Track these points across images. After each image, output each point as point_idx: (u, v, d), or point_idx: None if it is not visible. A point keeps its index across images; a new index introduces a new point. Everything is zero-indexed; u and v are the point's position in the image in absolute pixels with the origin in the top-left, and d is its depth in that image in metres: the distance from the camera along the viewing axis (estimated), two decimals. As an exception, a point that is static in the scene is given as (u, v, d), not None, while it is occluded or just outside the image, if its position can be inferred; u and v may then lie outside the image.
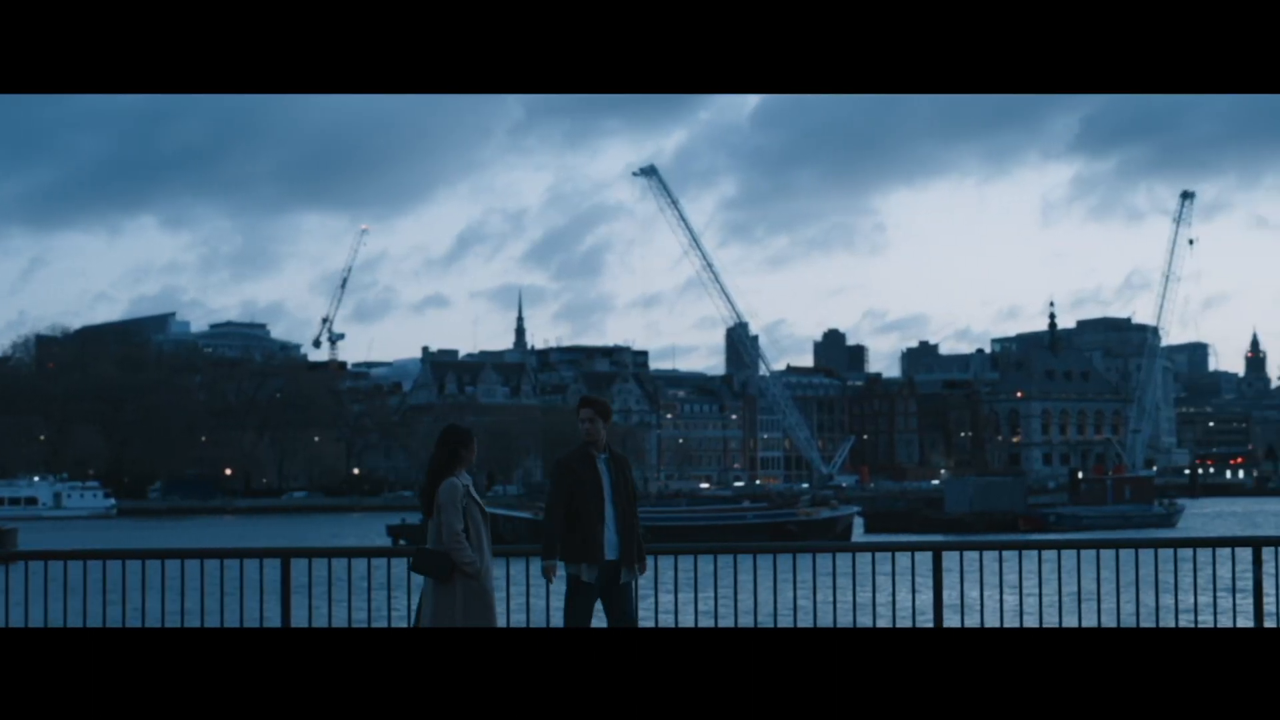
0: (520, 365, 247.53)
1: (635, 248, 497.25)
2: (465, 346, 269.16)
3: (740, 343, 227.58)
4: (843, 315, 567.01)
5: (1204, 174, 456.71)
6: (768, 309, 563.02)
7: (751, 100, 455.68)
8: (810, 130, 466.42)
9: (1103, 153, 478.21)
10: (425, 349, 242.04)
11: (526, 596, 14.13)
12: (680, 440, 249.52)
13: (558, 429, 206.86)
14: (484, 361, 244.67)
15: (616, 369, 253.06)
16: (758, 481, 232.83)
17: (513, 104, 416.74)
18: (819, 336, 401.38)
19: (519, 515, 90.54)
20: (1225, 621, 13.92)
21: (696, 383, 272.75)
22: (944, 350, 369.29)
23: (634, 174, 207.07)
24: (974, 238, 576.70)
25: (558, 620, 12.88)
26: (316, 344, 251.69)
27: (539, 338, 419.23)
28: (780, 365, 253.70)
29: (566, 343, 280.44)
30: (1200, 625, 13.99)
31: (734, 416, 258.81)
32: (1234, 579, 14.22)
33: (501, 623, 12.07)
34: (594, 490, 12.47)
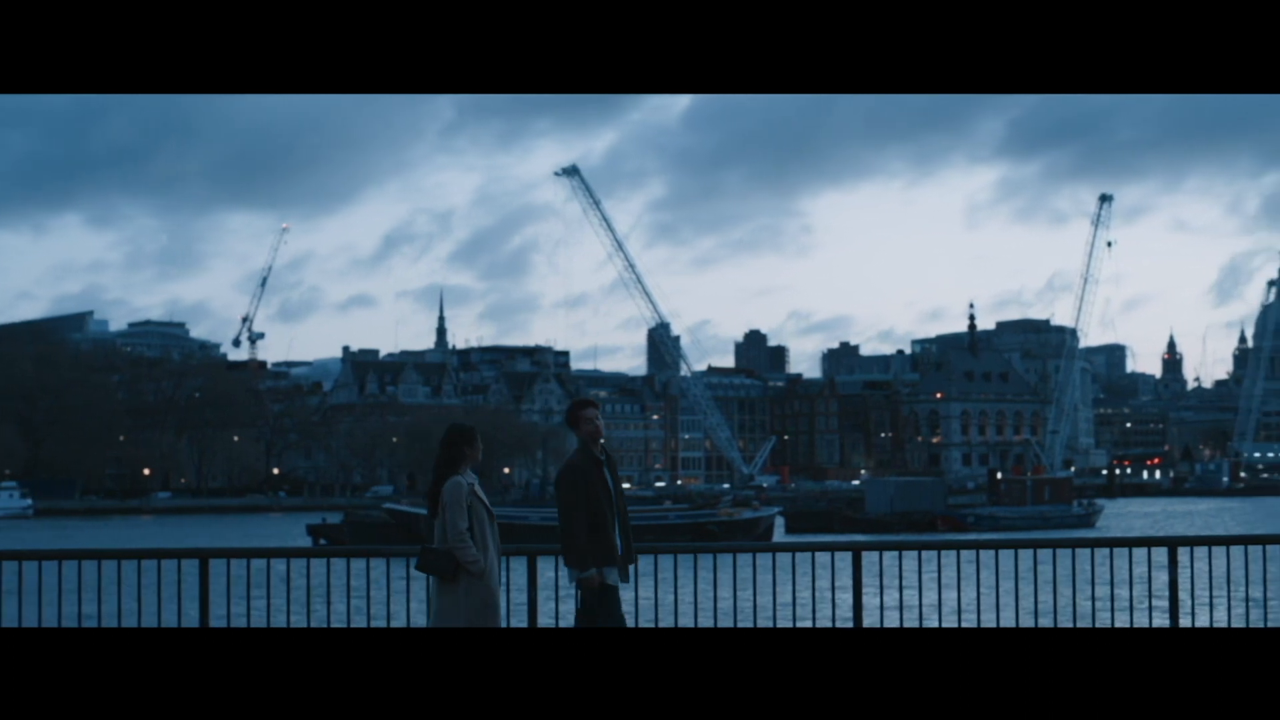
0: (442, 365, 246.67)
1: (562, 248, 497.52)
2: (390, 346, 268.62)
3: (662, 343, 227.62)
4: (768, 316, 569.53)
5: (1128, 178, 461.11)
6: (693, 310, 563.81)
7: (682, 101, 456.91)
8: (740, 132, 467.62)
9: (1028, 156, 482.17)
10: (346, 348, 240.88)
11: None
12: (601, 441, 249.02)
13: (478, 429, 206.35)
14: (405, 361, 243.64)
15: (538, 369, 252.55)
16: (679, 482, 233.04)
17: (444, 104, 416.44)
18: (741, 337, 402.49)
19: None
20: (1142, 621, 14.03)
21: (618, 383, 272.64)
22: (867, 351, 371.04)
23: (556, 174, 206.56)
24: (900, 240, 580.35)
25: (543, 621, 12.84)
26: (236, 343, 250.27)
27: (464, 338, 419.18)
28: (702, 366, 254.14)
29: (488, 343, 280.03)
30: (1117, 625, 14.08)
31: (655, 417, 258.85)
32: (1150, 579, 14.33)
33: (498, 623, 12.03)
34: (605, 493, 12.47)
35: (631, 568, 12.65)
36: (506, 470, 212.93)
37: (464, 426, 12.43)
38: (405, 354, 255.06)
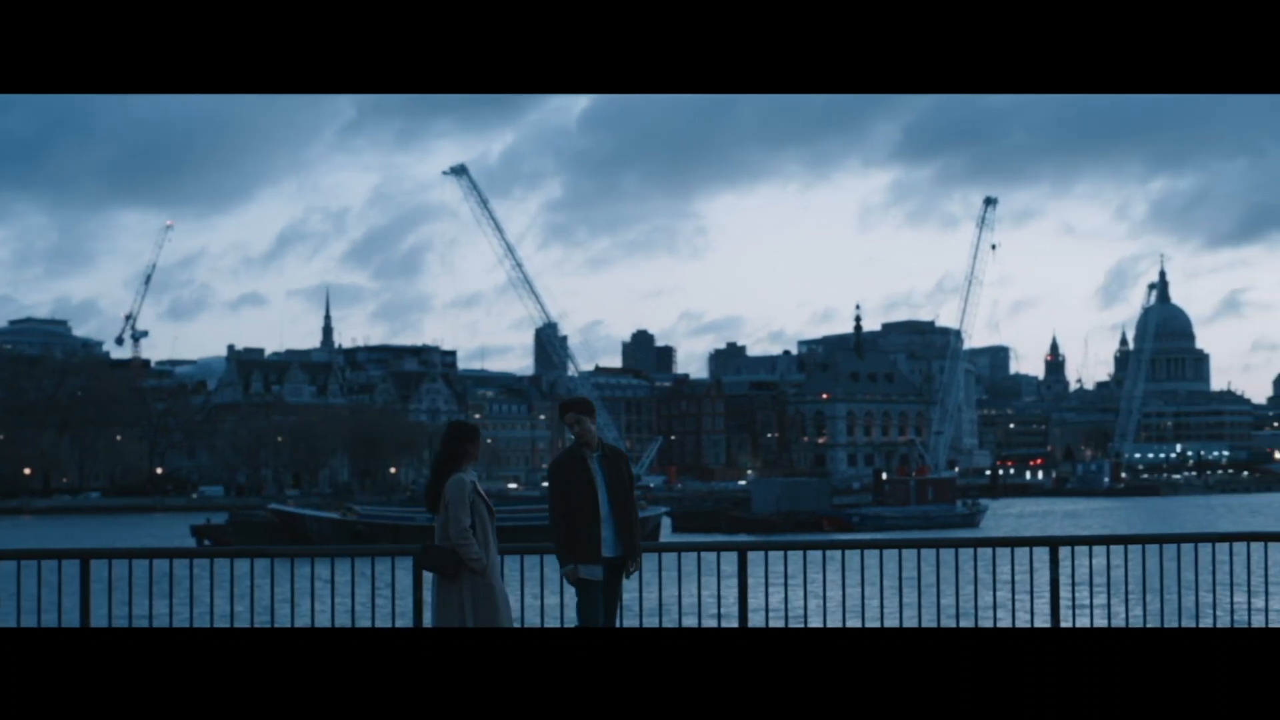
0: (328, 364, 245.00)
1: (456, 248, 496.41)
2: (278, 345, 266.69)
3: (549, 343, 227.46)
4: (660, 317, 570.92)
5: (1018, 182, 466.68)
6: (586, 310, 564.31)
7: (580, 102, 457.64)
8: (637, 133, 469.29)
9: (922, 160, 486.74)
10: (230, 347, 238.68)
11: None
12: (488, 440, 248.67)
13: (365, 429, 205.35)
14: (290, 360, 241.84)
15: (425, 369, 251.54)
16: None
17: (344, 104, 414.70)
18: (625, 337, 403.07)
19: (326, 515, 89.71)
20: (1024, 620, 14.18)
21: (505, 383, 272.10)
22: (759, 352, 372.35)
23: (444, 173, 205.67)
24: (793, 242, 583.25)
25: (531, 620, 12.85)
26: (120, 341, 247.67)
27: (356, 337, 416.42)
28: (589, 366, 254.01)
29: (376, 342, 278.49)
30: (1000, 625, 14.20)
31: (542, 417, 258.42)
32: (1032, 578, 14.47)
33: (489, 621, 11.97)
34: (587, 489, 12.47)
35: (604, 565, 12.60)
36: (393, 470, 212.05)
37: (466, 424, 12.50)
38: (291, 353, 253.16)
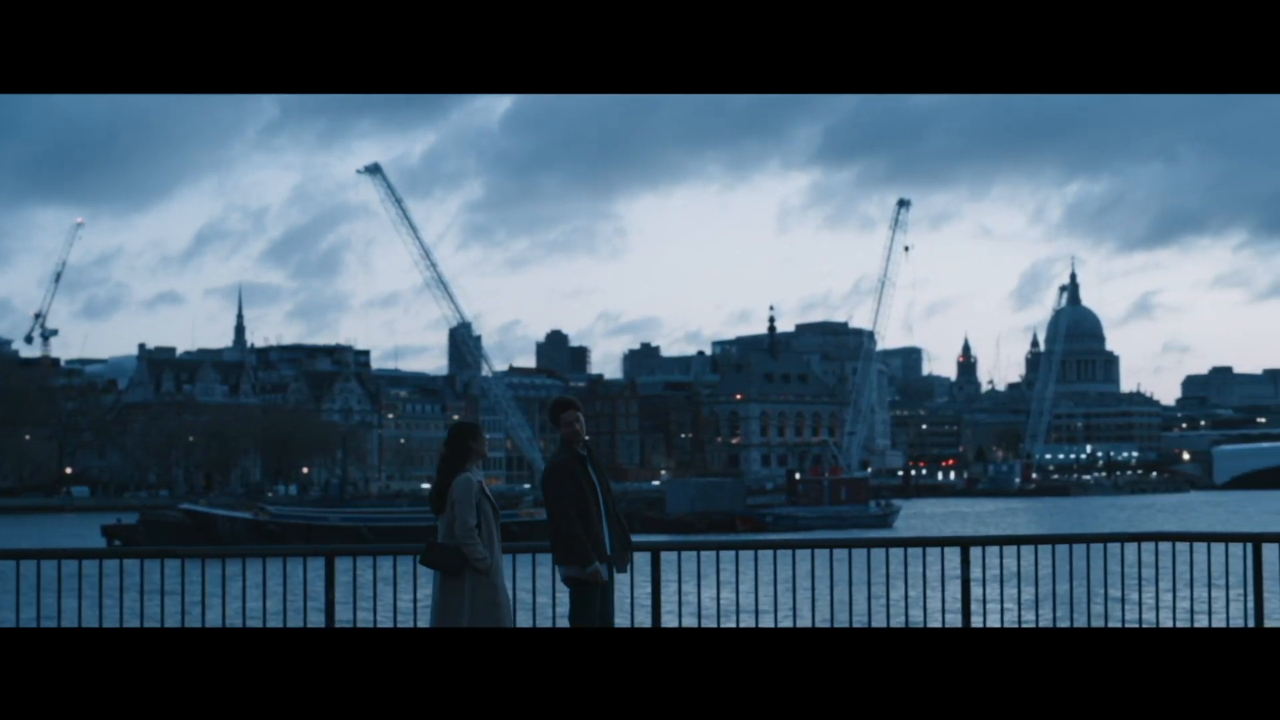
0: (240, 364, 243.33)
1: (375, 247, 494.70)
2: (191, 345, 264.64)
3: (464, 343, 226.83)
4: (578, 317, 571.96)
5: (937, 185, 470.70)
6: (505, 310, 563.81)
7: (503, 102, 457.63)
8: (559, 134, 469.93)
9: (842, 163, 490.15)
10: (142, 346, 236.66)
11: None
12: (402, 440, 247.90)
13: (277, 428, 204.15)
14: (202, 360, 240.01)
15: (338, 368, 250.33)
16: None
17: (267, 103, 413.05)
18: (543, 338, 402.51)
19: (239, 516, 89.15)
20: (935, 620, 14.25)
21: (418, 383, 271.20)
22: (676, 353, 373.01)
23: (359, 171, 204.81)
24: (712, 243, 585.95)
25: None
26: (29, 340, 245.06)
27: (269, 336, 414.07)
28: (503, 366, 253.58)
29: (291, 341, 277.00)
30: (912, 624, 14.28)
31: (456, 417, 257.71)
32: (943, 578, 14.55)
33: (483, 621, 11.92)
34: (591, 489, 12.54)
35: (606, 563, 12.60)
36: (306, 470, 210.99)
37: (470, 423, 12.54)
38: (203, 352, 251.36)
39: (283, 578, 14.01)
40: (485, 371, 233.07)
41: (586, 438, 12.90)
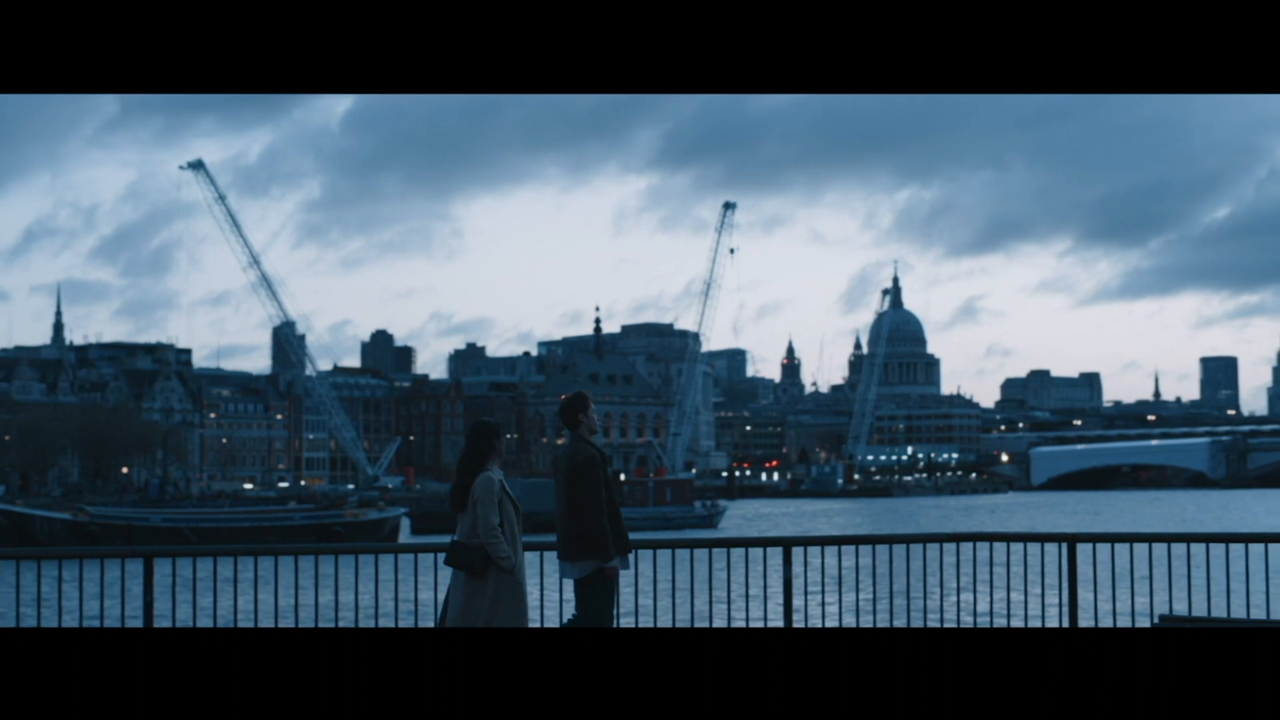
0: (58, 362, 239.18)
1: (206, 245, 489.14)
2: (8, 342, 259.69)
3: (287, 342, 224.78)
4: (410, 317, 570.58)
5: (771, 189, 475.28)
6: (337, 309, 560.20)
7: (344, 102, 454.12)
8: (399, 135, 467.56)
9: (680, 166, 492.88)
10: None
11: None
12: (224, 440, 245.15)
13: (96, 427, 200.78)
14: (19, 357, 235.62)
15: (159, 367, 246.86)
16: (303, 482, 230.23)
17: (106, 100, 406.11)
18: (369, 337, 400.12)
19: (58, 516, 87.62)
20: (757, 620, 14.37)
21: (241, 382, 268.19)
22: (507, 354, 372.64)
23: (181, 168, 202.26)
24: (548, 245, 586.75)
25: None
26: None
27: (89, 334, 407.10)
28: (328, 365, 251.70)
29: (112, 339, 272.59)
30: (734, 625, 14.38)
31: (279, 416, 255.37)
32: (765, 578, 14.66)
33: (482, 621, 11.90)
34: (606, 486, 12.68)
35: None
36: (125, 470, 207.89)
37: (490, 422, 12.53)
38: (20, 349, 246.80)
39: (100, 579, 13.82)
40: (309, 371, 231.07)
41: (595, 434, 13.07)
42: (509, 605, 11.88)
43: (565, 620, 12.81)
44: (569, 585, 12.84)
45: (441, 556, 14.23)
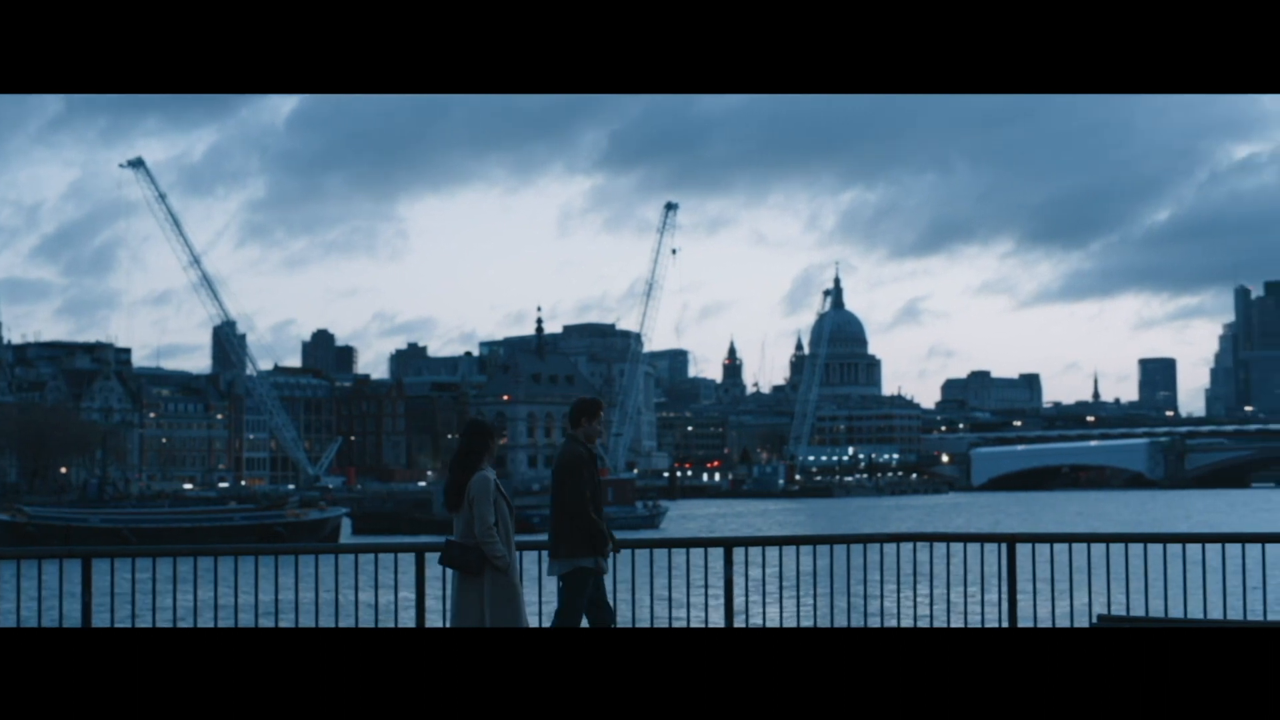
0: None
1: (150, 244, 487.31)
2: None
3: (228, 341, 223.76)
4: (353, 317, 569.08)
5: (716, 191, 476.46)
6: (279, 309, 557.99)
7: (290, 102, 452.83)
8: (345, 134, 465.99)
9: (625, 167, 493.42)
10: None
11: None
12: (164, 440, 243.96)
13: (35, 427, 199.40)
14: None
15: (98, 366, 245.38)
16: (243, 483, 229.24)
17: (52, 100, 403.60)
18: (309, 337, 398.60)
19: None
20: (699, 620, 14.39)
21: (181, 382, 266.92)
22: (450, 354, 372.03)
23: (121, 166, 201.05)
24: (493, 245, 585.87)
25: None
26: None
27: (28, 333, 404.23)
28: (268, 365, 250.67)
29: (49, 338, 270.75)
30: (675, 624, 14.40)
31: (219, 416, 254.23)
32: (706, 578, 14.70)
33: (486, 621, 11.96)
34: (596, 487, 12.84)
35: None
36: (64, 470, 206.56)
37: (485, 422, 12.68)
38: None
39: (38, 580, 13.74)
40: (250, 370, 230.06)
41: (601, 440, 13.21)
42: (504, 604, 11.97)
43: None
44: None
45: (383, 558, 14.23)
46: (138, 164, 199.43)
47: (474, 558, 11.95)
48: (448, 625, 12.23)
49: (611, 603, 13.14)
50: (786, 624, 15.32)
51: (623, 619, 14.53)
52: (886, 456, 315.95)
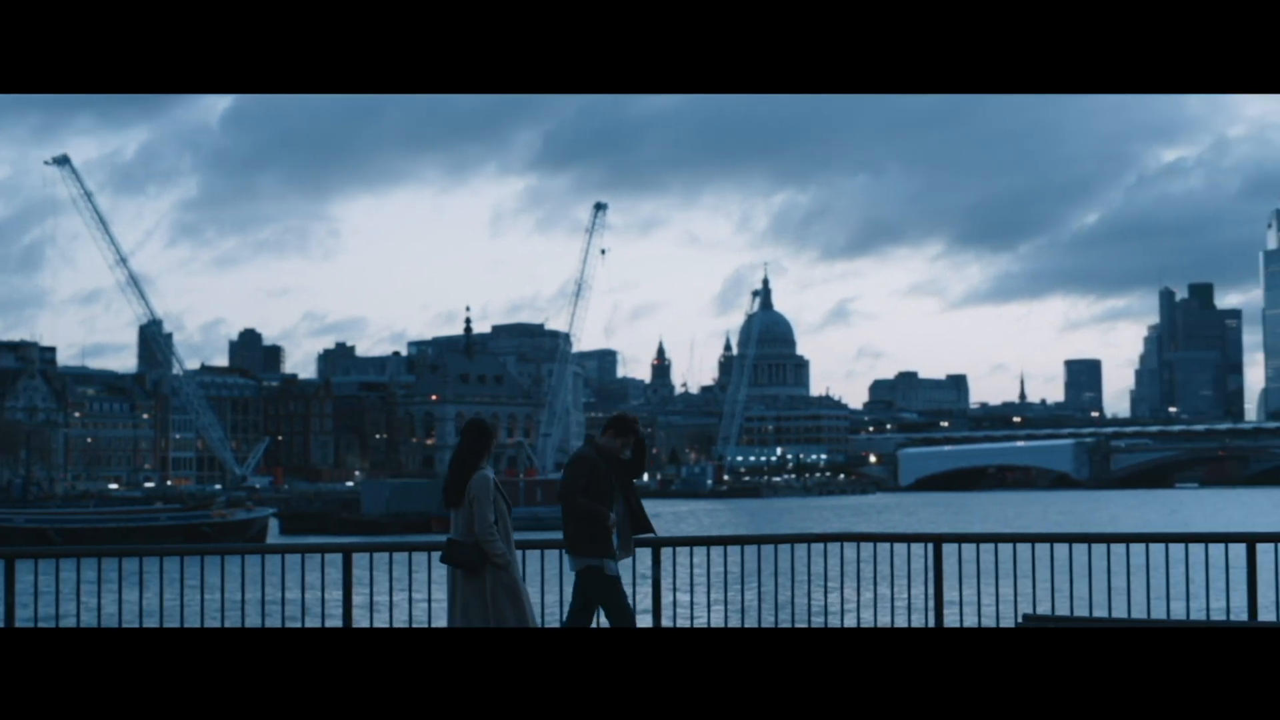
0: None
1: (79, 243, 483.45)
2: None
3: (154, 340, 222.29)
4: (283, 316, 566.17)
5: (649, 192, 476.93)
6: (209, 309, 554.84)
7: (223, 101, 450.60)
8: (279, 134, 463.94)
9: (559, 168, 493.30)
10: None
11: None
12: (89, 440, 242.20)
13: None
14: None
15: (22, 365, 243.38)
16: (170, 482, 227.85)
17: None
18: (237, 336, 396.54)
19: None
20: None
21: (107, 381, 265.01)
22: (379, 354, 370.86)
23: (46, 163, 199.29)
24: (426, 245, 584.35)
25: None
26: None
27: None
28: (195, 365, 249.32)
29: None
30: (603, 625, 14.40)
31: (145, 416, 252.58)
32: (634, 578, 14.70)
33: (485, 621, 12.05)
34: (607, 487, 12.99)
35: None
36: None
37: (485, 422, 12.79)
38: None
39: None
40: (176, 370, 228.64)
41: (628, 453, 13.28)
42: (505, 602, 12.09)
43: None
44: (569, 585, 13.26)
45: (311, 558, 14.18)
46: (63, 161, 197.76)
47: (475, 555, 12.08)
48: (452, 621, 12.29)
49: (583, 605, 13.21)
50: (714, 624, 15.35)
51: (550, 619, 14.53)
52: (814, 457, 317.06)
